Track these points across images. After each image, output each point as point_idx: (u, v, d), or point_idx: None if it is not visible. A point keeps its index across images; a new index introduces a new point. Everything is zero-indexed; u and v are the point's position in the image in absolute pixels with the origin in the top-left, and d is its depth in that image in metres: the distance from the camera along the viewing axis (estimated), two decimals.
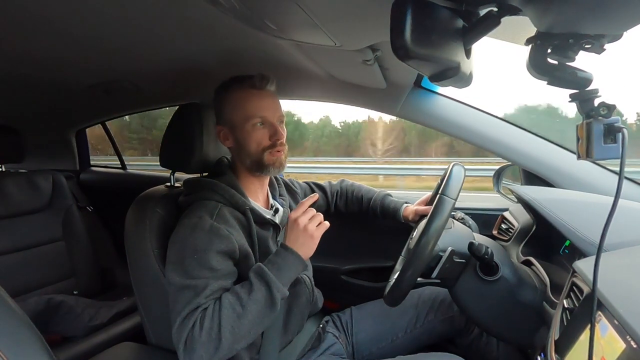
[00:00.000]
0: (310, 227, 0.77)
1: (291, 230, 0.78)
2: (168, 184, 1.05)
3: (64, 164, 1.93)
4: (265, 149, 0.84)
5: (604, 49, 0.44)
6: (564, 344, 0.57)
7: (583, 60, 0.47)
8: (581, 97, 0.49)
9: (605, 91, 0.48)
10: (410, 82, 1.09)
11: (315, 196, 0.83)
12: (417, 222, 0.99)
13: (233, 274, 0.77)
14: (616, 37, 0.43)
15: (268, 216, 0.88)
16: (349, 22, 0.63)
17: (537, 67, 0.47)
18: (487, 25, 0.45)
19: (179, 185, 1.02)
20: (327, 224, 0.80)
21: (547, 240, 0.92)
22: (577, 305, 0.59)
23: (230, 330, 0.68)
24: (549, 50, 0.46)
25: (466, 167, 0.82)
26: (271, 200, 0.95)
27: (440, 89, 1.11)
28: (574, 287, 0.62)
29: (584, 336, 0.52)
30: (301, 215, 0.78)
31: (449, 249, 0.79)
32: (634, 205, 0.83)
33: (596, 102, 0.48)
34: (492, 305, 0.81)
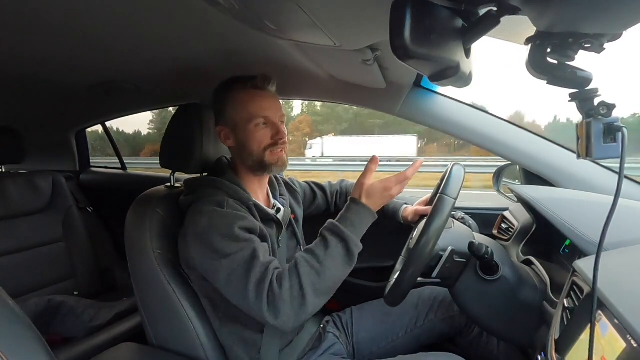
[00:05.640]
0: (395, 191, 0.79)
1: (377, 192, 0.78)
2: (168, 184, 1.05)
3: (64, 165, 1.93)
4: (267, 147, 0.84)
5: (604, 48, 0.44)
6: (565, 344, 0.57)
7: (583, 60, 0.47)
8: (581, 97, 0.49)
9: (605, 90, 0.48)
10: (410, 82, 1.09)
11: (420, 161, 0.83)
12: (417, 222, 0.99)
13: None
14: (616, 37, 0.43)
15: (271, 212, 0.88)
16: (348, 22, 0.63)
17: (537, 66, 0.47)
18: (486, 24, 0.45)
19: (179, 185, 1.02)
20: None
21: (547, 239, 0.92)
22: (577, 304, 0.59)
23: (312, 287, 0.68)
24: (549, 50, 0.45)
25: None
26: (272, 200, 0.95)
27: (440, 89, 1.11)
28: (574, 287, 0.62)
29: (585, 335, 0.52)
30: (394, 181, 0.79)
31: (449, 248, 0.79)
32: (634, 205, 0.83)
33: (596, 101, 0.48)
34: (493, 304, 0.81)
